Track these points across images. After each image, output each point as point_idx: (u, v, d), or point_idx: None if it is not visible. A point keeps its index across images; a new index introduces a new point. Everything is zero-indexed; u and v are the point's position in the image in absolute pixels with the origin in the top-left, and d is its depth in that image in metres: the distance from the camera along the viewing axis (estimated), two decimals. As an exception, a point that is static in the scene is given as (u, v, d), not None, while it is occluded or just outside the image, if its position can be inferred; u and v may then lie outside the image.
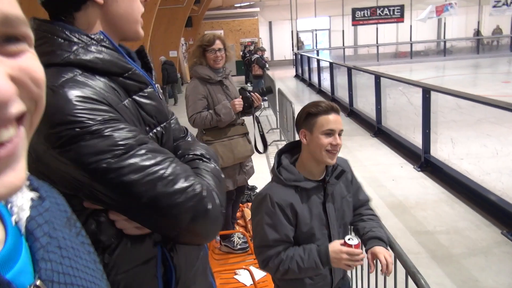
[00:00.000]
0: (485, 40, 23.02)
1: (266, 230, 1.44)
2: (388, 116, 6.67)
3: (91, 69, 0.78)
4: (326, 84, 11.21)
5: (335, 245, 1.43)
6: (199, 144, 0.99)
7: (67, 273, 0.43)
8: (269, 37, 24.95)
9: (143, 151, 0.74)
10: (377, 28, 20.90)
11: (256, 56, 10.91)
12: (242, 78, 15.72)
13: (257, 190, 4.30)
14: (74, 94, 0.71)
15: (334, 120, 1.45)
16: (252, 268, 2.50)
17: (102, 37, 0.82)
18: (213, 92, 2.77)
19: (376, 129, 6.59)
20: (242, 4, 21.66)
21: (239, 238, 3.00)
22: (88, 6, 0.82)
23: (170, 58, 13.99)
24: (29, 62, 0.35)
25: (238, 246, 2.96)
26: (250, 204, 3.41)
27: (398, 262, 1.57)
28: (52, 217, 0.47)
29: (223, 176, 0.94)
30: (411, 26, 20.83)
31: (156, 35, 11.24)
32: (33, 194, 0.46)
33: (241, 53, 17.54)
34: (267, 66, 10.73)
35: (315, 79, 12.70)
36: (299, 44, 19.73)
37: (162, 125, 0.90)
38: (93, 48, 0.79)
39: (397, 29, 23.30)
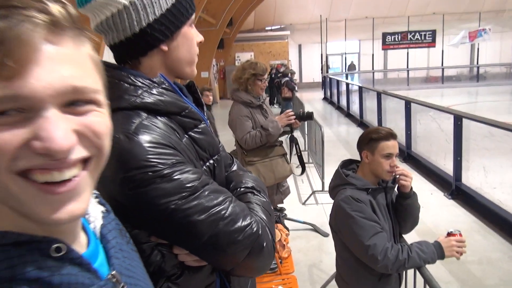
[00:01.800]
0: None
1: (364, 222, 1.64)
2: (418, 142, 6.60)
3: (154, 111, 0.83)
4: (355, 107, 11.20)
5: (442, 238, 1.72)
6: (248, 176, 1.04)
7: (128, 269, 0.58)
8: (298, 59, 25.21)
9: (206, 193, 0.80)
10: (407, 53, 20.77)
11: (286, 78, 11.08)
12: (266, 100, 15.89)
13: (286, 212, 4.34)
14: (146, 140, 0.78)
15: (393, 145, 1.74)
16: (280, 288, 2.54)
17: (162, 80, 0.89)
18: (254, 115, 2.93)
19: (406, 154, 6.53)
20: (273, 28, 22.09)
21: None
22: (154, 53, 0.89)
23: (202, 79, 14.37)
24: (92, 119, 0.46)
25: None
26: (279, 225, 3.46)
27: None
28: (112, 226, 0.61)
29: (272, 208, 0.99)
30: (442, 51, 20.60)
31: (189, 57, 11.64)
32: (102, 208, 0.61)
33: (267, 76, 17.76)
34: (296, 88, 10.86)
35: (343, 102, 12.72)
36: (323, 67, 19.82)
37: (214, 158, 0.95)
38: (154, 91, 0.85)
39: (428, 53, 23.07)
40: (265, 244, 0.85)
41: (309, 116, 3.11)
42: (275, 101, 14.95)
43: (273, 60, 20.73)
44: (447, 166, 5.24)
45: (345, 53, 22.66)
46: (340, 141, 8.38)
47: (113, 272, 0.52)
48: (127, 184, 0.76)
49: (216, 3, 13.36)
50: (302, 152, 7.45)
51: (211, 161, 0.95)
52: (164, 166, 0.77)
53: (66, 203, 0.44)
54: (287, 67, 17.18)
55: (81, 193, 0.45)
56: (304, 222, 4.21)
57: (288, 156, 3.11)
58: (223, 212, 0.81)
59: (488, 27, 19.13)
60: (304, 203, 4.96)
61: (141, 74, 0.87)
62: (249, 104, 2.91)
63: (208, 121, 1.00)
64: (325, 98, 16.86)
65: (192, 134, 0.90)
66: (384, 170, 1.74)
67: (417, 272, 1.67)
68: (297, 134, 8.54)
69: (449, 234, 1.72)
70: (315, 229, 4.08)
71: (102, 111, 0.48)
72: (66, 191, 0.43)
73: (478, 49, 21.67)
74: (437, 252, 1.66)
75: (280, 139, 3.08)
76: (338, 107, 13.49)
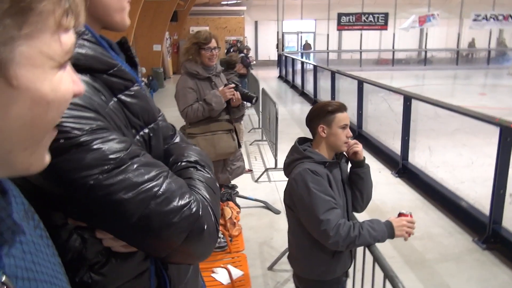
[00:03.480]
0: (464, 52, 23.68)
1: (320, 196, 1.63)
2: (369, 122, 6.77)
3: (73, 66, 0.72)
4: (309, 86, 11.29)
5: (393, 218, 1.76)
6: (192, 149, 0.93)
7: (30, 268, 0.43)
8: (255, 36, 24.96)
9: (135, 166, 0.68)
10: (361, 34, 21.19)
11: (241, 54, 10.89)
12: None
13: (238, 189, 4.29)
14: None
15: (347, 116, 1.80)
16: (229, 266, 2.50)
17: (83, 29, 0.73)
18: (201, 88, 2.78)
19: (357, 133, 6.68)
20: (229, 2, 21.59)
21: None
22: None
23: (154, 52, 13.83)
24: None
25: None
26: (230, 202, 3.41)
27: (376, 265, 1.59)
28: (13, 211, 0.46)
29: (217, 185, 0.88)
30: (394, 34, 21.20)
31: (140, 28, 11.09)
32: None
33: (225, 50, 17.48)
34: (251, 65, 10.73)
35: (298, 81, 12.78)
36: (279, 45, 19.78)
37: (150, 127, 0.84)
38: None
39: (381, 36, 23.66)
40: (206, 226, 0.74)
41: (251, 99, 2.92)
42: (230, 78, 14.74)
43: (229, 36, 20.37)
44: (395, 146, 5.42)
45: (301, 32, 22.71)
46: (294, 119, 8.42)
47: (3, 279, 0.39)
48: None
49: (169, -28, 12.79)
50: (255, 129, 7.41)
51: (146, 130, 0.82)
52: (81, 132, 0.64)
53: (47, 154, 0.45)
54: (242, 43, 16.95)
55: None
56: (256, 200, 4.20)
57: (234, 134, 2.97)
58: (155, 189, 0.69)
59: (436, 12, 19.87)
60: (256, 181, 4.94)
61: None
62: (195, 76, 2.77)
63: (142, 83, 0.86)
64: (280, 77, 16.89)
65: (122, 97, 0.77)
66: (342, 141, 1.77)
67: (367, 250, 1.67)
68: (251, 111, 8.51)
69: (400, 215, 1.75)
70: (267, 206, 4.07)
71: None
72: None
73: (426, 34, 22.54)
74: (388, 231, 1.68)
75: (228, 115, 2.94)
76: (293, 86, 13.55)
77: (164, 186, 0.70)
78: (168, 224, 0.69)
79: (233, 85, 2.81)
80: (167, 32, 15.83)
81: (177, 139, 0.97)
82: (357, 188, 1.87)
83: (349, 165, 1.93)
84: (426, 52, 22.43)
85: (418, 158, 5.12)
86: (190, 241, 0.73)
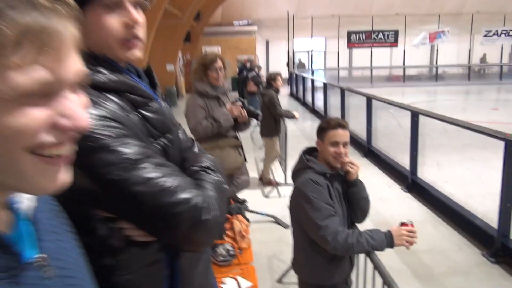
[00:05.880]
0: (476, 68, 23.59)
1: (320, 204, 1.72)
2: (379, 138, 6.82)
3: (102, 88, 0.86)
4: (319, 103, 11.41)
5: (394, 227, 1.80)
6: (206, 156, 1.06)
7: (60, 252, 0.57)
8: (266, 55, 25.31)
9: (147, 164, 0.81)
10: (371, 52, 21.32)
11: (252, 73, 11.11)
12: (236, 94, 15.90)
13: (248, 204, 4.37)
14: (92, 113, 0.79)
15: (339, 134, 1.85)
16: (238, 277, 2.57)
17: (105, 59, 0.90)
18: (209, 106, 2.90)
19: (367, 149, 6.73)
20: (241, 23, 22.03)
21: (224, 249, 3.04)
22: None
23: (167, 72, 14.14)
24: (84, 99, 0.50)
25: (221, 258, 2.98)
26: (239, 216, 3.49)
27: (376, 273, 1.66)
28: (46, 207, 0.60)
29: (226, 187, 0.99)
30: (404, 51, 21.29)
31: (154, 48, 11.42)
32: None
33: (237, 69, 17.75)
34: (262, 83, 10.90)
35: (309, 98, 12.91)
36: (295, 64, 20.00)
37: (166, 136, 0.97)
38: (101, 69, 0.88)
39: (391, 53, 23.80)
40: (207, 217, 0.85)
41: (255, 116, 3.14)
42: (243, 97, 14.96)
43: (240, 54, 20.71)
44: (404, 161, 5.46)
45: (312, 51, 22.96)
46: (304, 136, 8.51)
47: (38, 255, 0.51)
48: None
49: (182, -5, 13.19)
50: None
51: (163, 139, 0.96)
52: (105, 137, 0.78)
53: (61, 174, 0.49)
54: (253, 62, 17.21)
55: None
56: (266, 214, 4.27)
57: (241, 150, 3.11)
58: (164, 184, 0.81)
59: (447, 29, 19.95)
60: (266, 196, 5.02)
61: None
62: (203, 95, 2.91)
63: (160, 101, 1.00)
64: (291, 94, 17.05)
65: (143, 112, 0.92)
66: (330, 157, 1.85)
67: (368, 258, 1.74)
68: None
69: (402, 224, 1.80)
70: (277, 221, 4.14)
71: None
72: (65, 164, 0.49)
73: (437, 50, 22.57)
74: (387, 240, 1.74)
75: (235, 132, 3.07)
76: (304, 103, 13.68)
77: (172, 181, 0.83)
78: (174, 213, 0.81)
79: (240, 103, 2.94)
80: (180, 52, 16.22)
81: (195, 149, 1.11)
82: (351, 205, 1.96)
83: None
84: (437, 68, 22.42)
85: (427, 173, 5.15)
86: (194, 230, 0.85)
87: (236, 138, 3.05)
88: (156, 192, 0.80)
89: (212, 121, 2.84)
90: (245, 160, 3.17)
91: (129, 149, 0.80)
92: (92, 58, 0.87)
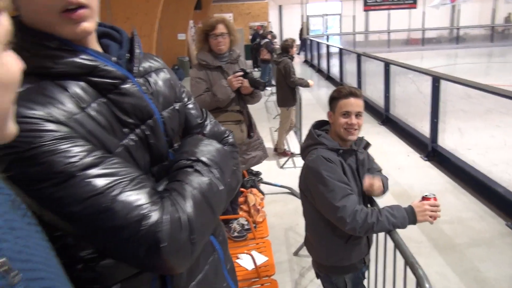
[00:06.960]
0: (500, 28, 22.54)
1: (335, 183, 1.61)
2: (397, 104, 6.60)
3: (46, 74, 0.71)
4: (335, 70, 11.09)
5: (415, 202, 1.67)
6: (205, 144, 0.88)
7: (23, 251, 0.47)
8: (279, 21, 24.64)
9: (85, 178, 0.66)
10: (389, 14, 20.53)
11: (266, 40, 10.81)
12: (250, 62, 15.58)
13: (262, 176, 4.31)
14: (20, 113, 0.63)
15: (351, 103, 1.70)
16: (253, 252, 2.53)
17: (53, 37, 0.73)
18: (212, 78, 2.70)
19: (384, 117, 6.54)
20: (252, -13, 21.33)
21: (239, 225, 2.99)
22: None
23: (178, 41, 13.90)
24: None
25: (236, 234, 2.92)
26: (254, 189, 3.43)
27: (397, 251, 1.57)
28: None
29: (221, 188, 0.82)
30: (423, 12, 20.44)
31: (164, 17, 11.16)
32: None
33: (250, 37, 17.34)
34: (275, 51, 10.62)
35: (324, 65, 12.57)
36: (303, 29, 19.36)
37: (146, 123, 0.81)
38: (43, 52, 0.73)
39: (410, 15, 22.83)
40: (163, 244, 0.68)
41: (258, 85, 2.74)
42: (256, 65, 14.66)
43: (253, 21, 20.19)
44: (424, 128, 5.27)
45: (326, 15, 22.23)
46: (319, 104, 8.32)
47: (2, 260, 0.42)
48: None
49: (192, -40, 12.74)
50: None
51: (143, 127, 0.81)
52: (30, 146, 0.63)
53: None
54: (266, 28, 16.78)
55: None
56: (281, 186, 4.21)
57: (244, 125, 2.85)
58: (104, 203, 0.66)
59: (469, -13, 18.96)
60: (281, 167, 4.94)
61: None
62: (204, 66, 2.70)
63: (135, 79, 0.82)
64: (305, 61, 16.65)
65: (112, 96, 0.77)
66: (342, 129, 1.71)
67: (388, 236, 1.65)
68: (275, 97, 8.45)
69: (424, 198, 1.67)
70: (292, 192, 4.07)
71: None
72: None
73: (458, 10, 21.57)
74: (409, 217, 1.63)
75: (238, 106, 2.80)
76: (319, 70, 13.34)
77: (116, 198, 0.67)
78: (120, 240, 0.67)
79: (240, 72, 2.70)
80: (191, 20, 15.87)
81: (207, 128, 0.98)
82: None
83: (366, 155, 1.89)
84: (458, 29, 21.51)
85: (448, 141, 4.97)
86: (153, 255, 0.68)
87: (240, 112, 2.82)
88: (96, 214, 0.65)
89: (210, 94, 2.64)
90: (250, 136, 2.91)
91: (59, 159, 0.64)
92: (36, 37, 0.71)
